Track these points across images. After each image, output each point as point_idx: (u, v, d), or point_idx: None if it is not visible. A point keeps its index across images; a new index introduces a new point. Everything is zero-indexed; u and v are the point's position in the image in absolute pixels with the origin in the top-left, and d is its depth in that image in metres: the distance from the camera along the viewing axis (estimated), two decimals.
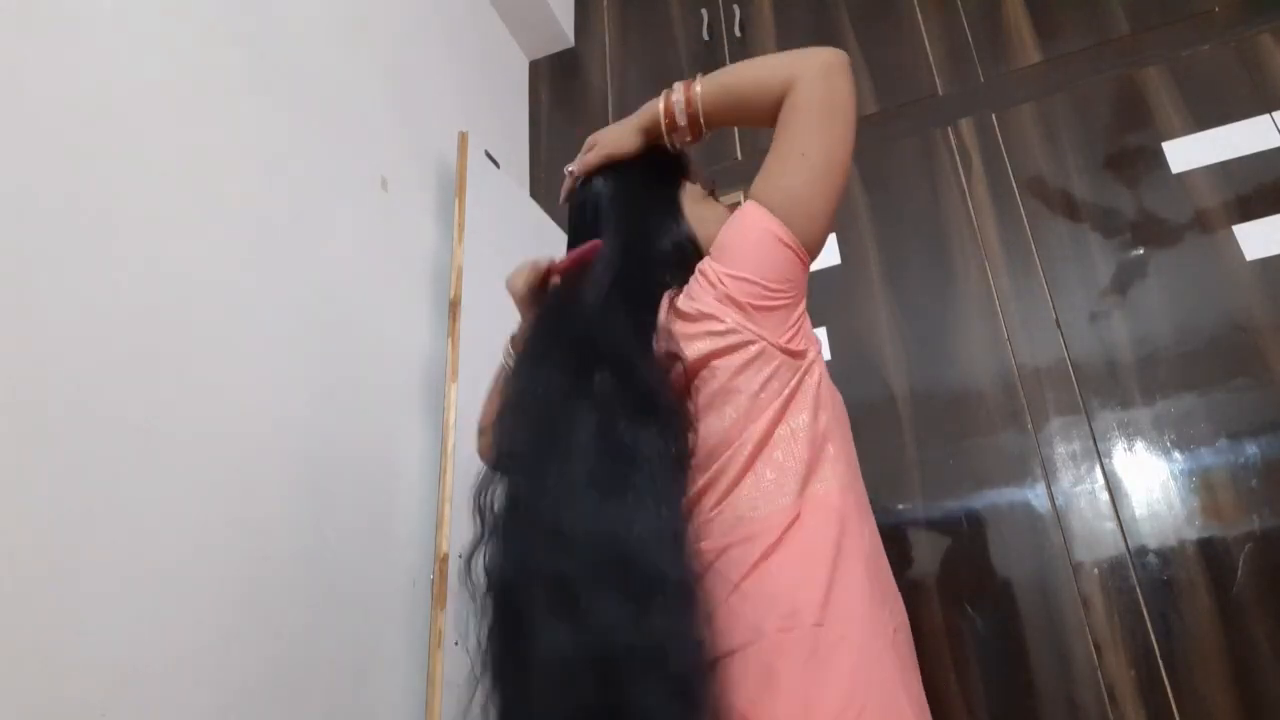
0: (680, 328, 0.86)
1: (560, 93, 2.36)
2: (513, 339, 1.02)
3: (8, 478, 0.82)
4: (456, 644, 1.32)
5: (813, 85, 0.86)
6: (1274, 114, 1.58)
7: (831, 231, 0.88)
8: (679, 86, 0.94)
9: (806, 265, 0.86)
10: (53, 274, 0.91)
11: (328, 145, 1.43)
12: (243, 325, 1.16)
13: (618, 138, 0.98)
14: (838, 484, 0.83)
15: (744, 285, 0.83)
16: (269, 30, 1.35)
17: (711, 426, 0.84)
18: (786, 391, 0.83)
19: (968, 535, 1.50)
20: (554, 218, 2.04)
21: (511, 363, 1.00)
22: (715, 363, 0.84)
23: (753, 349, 0.83)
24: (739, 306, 0.83)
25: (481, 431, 1.09)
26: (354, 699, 1.21)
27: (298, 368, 1.25)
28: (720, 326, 0.83)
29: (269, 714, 1.06)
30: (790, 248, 0.84)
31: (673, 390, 0.83)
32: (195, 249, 1.11)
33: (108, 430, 0.94)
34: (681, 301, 0.88)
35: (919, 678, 0.84)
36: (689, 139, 0.96)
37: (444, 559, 1.37)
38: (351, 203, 1.47)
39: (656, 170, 0.99)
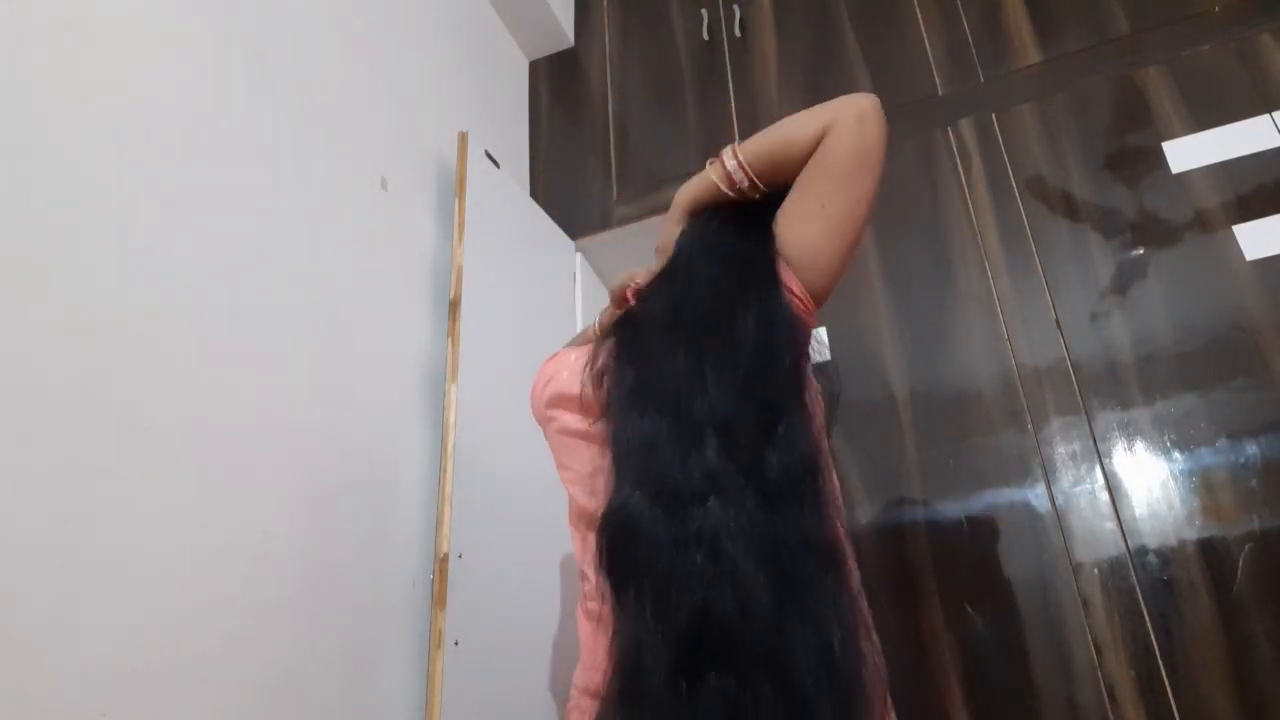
0: None
1: (560, 93, 2.36)
2: None
3: (8, 478, 0.82)
4: (456, 644, 1.32)
5: (845, 132, 0.86)
6: (1274, 114, 1.58)
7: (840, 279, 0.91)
8: (726, 154, 0.94)
9: (811, 310, 0.87)
10: (52, 274, 0.91)
11: (328, 145, 1.43)
12: (242, 325, 1.16)
13: (665, 238, 0.99)
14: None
15: None
16: (269, 30, 1.35)
17: None
18: None
19: (968, 535, 1.50)
20: (554, 217, 2.04)
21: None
22: None
23: None
24: None
25: None
26: (354, 699, 1.21)
27: (297, 367, 1.25)
28: None
29: (269, 714, 1.06)
30: (797, 297, 0.85)
31: None
32: (195, 249, 1.11)
33: (107, 431, 0.94)
34: None
35: None
36: (756, 198, 0.95)
37: (444, 559, 1.37)
38: (351, 203, 1.47)
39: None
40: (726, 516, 0.74)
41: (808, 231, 0.86)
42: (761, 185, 0.93)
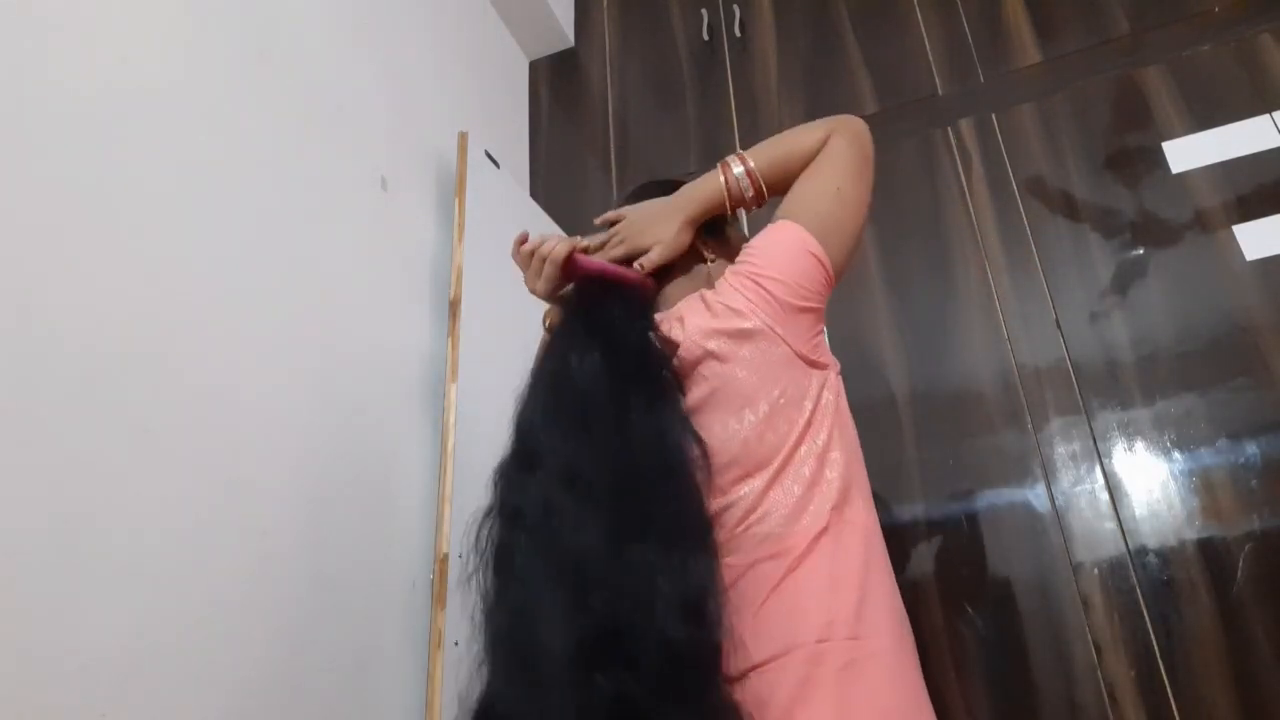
0: (704, 321, 0.88)
1: (560, 93, 2.36)
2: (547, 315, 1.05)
3: (8, 477, 0.82)
4: (456, 644, 1.32)
5: (851, 139, 0.93)
6: (1274, 114, 1.58)
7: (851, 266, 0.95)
8: (734, 160, 0.96)
9: (830, 284, 0.90)
10: (53, 274, 0.91)
11: (328, 145, 1.43)
12: (242, 325, 1.16)
13: (673, 243, 0.97)
14: (864, 504, 0.86)
15: (774, 283, 0.86)
16: (269, 30, 1.35)
17: (730, 429, 0.84)
18: (809, 404, 0.85)
19: (968, 535, 1.50)
20: (554, 217, 2.04)
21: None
22: (733, 355, 0.85)
23: (777, 352, 0.85)
24: (768, 304, 0.85)
25: None
26: (354, 699, 1.21)
27: (298, 368, 1.25)
28: (746, 324, 0.85)
29: (269, 714, 1.06)
30: (820, 261, 0.88)
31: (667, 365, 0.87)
32: (194, 249, 1.11)
33: (107, 430, 0.93)
34: (708, 297, 0.90)
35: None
36: (755, 208, 0.99)
37: (444, 559, 1.37)
38: (351, 203, 1.47)
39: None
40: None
41: (825, 210, 0.90)
42: (765, 193, 0.96)
